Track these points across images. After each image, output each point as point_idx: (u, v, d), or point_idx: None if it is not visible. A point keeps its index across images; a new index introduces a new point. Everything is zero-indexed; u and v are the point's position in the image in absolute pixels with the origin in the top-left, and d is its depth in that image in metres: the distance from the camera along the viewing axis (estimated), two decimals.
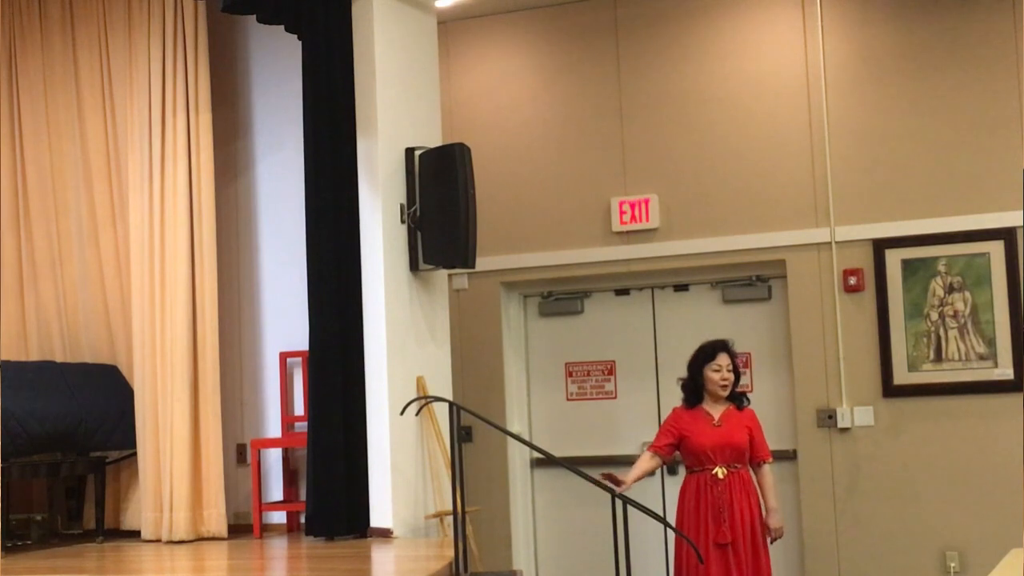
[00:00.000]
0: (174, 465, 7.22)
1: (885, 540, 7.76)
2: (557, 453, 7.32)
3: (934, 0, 7.86)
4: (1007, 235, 7.61)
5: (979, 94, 7.74)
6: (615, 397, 8.59)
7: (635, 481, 6.62)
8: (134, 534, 7.46)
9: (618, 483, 6.40)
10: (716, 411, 6.75)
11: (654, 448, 6.76)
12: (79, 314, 7.85)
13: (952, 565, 7.59)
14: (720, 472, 6.61)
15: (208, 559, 6.79)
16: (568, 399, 8.70)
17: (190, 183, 7.45)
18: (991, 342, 7.63)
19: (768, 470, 6.77)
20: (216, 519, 7.31)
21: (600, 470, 7.18)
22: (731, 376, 6.74)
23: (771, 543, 6.68)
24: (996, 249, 7.64)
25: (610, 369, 8.61)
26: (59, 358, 7.77)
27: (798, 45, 8.11)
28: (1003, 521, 7.46)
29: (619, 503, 6.18)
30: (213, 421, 7.35)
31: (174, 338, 7.31)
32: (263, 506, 7.53)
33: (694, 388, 6.81)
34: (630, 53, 8.48)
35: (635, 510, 6.19)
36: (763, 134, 8.15)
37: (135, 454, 7.48)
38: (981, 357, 7.66)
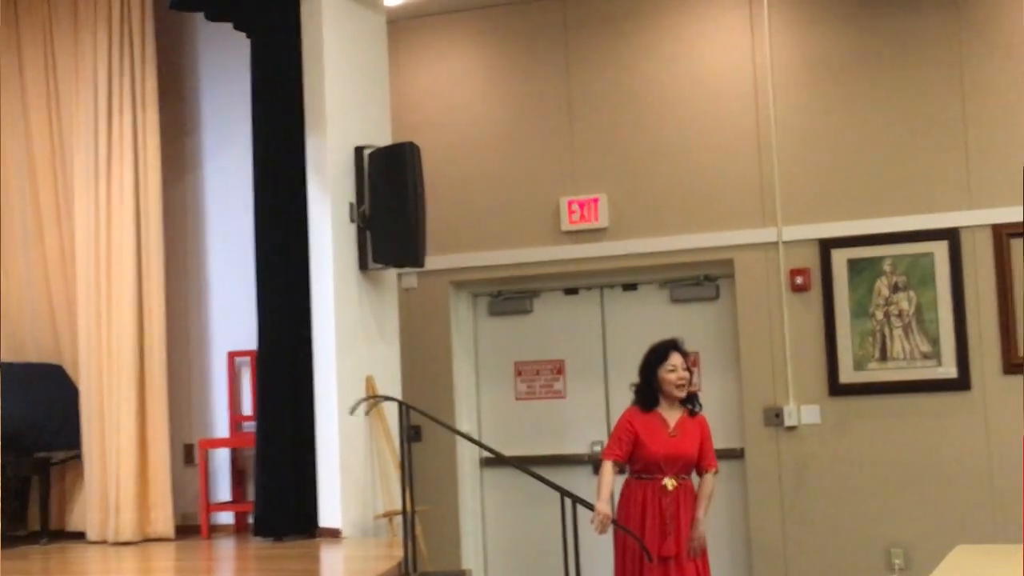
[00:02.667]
0: (120, 466, 7.17)
1: (831, 537, 7.83)
2: (506, 452, 7.33)
3: (879, 3, 7.94)
4: (951, 235, 7.70)
5: (923, 96, 7.82)
6: (564, 396, 8.60)
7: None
8: (79, 536, 7.40)
9: (604, 513, 6.31)
10: (672, 418, 6.58)
11: (614, 457, 6.54)
12: (24, 313, 7.76)
13: (897, 562, 7.67)
14: (670, 484, 6.49)
15: (155, 560, 6.74)
16: (517, 398, 8.71)
17: (136, 181, 7.39)
18: (935, 341, 7.72)
19: (710, 479, 6.61)
20: (163, 520, 7.26)
21: (549, 469, 7.22)
22: (686, 375, 6.60)
23: (691, 554, 6.48)
24: (940, 249, 7.73)
25: (559, 368, 8.63)
26: (3, 357, 7.67)
27: (746, 46, 8.16)
28: (947, 518, 7.56)
29: (569, 503, 6.19)
30: (160, 421, 7.31)
31: (120, 337, 7.25)
32: (211, 507, 7.49)
33: (649, 392, 6.62)
34: (579, 53, 8.50)
35: (585, 509, 6.20)
36: (711, 134, 8.20)
37: (80, 455, 7.42)
38: (925, 356, 7.74)
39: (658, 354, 6.64)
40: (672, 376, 6.58)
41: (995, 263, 7.62)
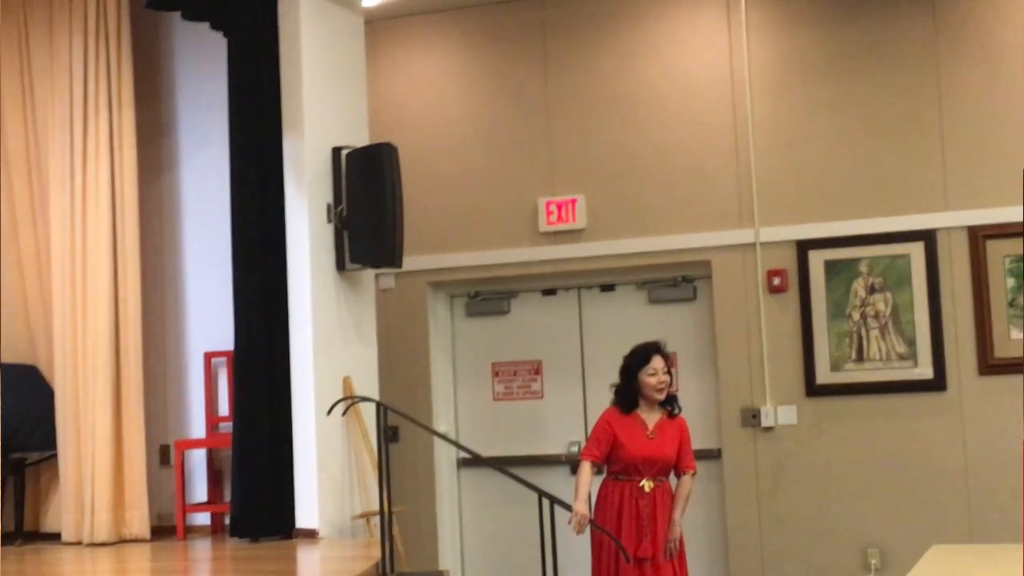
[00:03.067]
0: (96, 466, 7.13)
1: (807, 538, 7.85)
2: (484, 453, 7.33)
3: (856, 5, 7.96)
4: (927, 237, 7.73)
5: (900, 98, 7.85)
6: (542, 397, 8.60)
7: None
8: (54, 536, 7.36)
9: (582, 514, 6.33)
10: (651, 420, 6.58)
11: (592, 458, 6.54)
12: None
13: (873, 562, 7.70)
14: (647, 485, 6.49)
15: (130, 561, 6.71)
16: (495, 399, 8.70)
17: (112, 181, 7.36)
18: (911, 342, 7.75)
19: (688, 481, 6.60)
20: (139, 521, 7.22)
21: (526, 470, 7.23)
22: (667, 379, 6.59)
23: (666, 555, 6.49)
24: (916, 250, 7.76)
25: (536, 369, 8.63)
26: None
27: (723, 48, 8.18)
28: (923, 518, 7.59)
29: (546, 503, 6.19)
30: (136, 422, 7.27)
31: (96, 338, 7.22)
32: (187, 507, 7.46)
33: (629, 394, 6.61)
34: (557, 54, 8.50)
35: (562, 510, 6.21)
36: (689, 136, 8.21)
37: (55, 455, 7.38)
38: (901, 357, 7.77)
39: (639, 357, 6.63)
40: (652, 380, 6.57)
41: (971, 265, 7.65)
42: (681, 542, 6.58)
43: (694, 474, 6.66)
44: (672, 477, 6.67)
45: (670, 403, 6.67)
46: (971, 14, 7.74)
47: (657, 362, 6.59)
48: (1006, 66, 7.66)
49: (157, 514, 7.56)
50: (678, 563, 6.57)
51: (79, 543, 7.14)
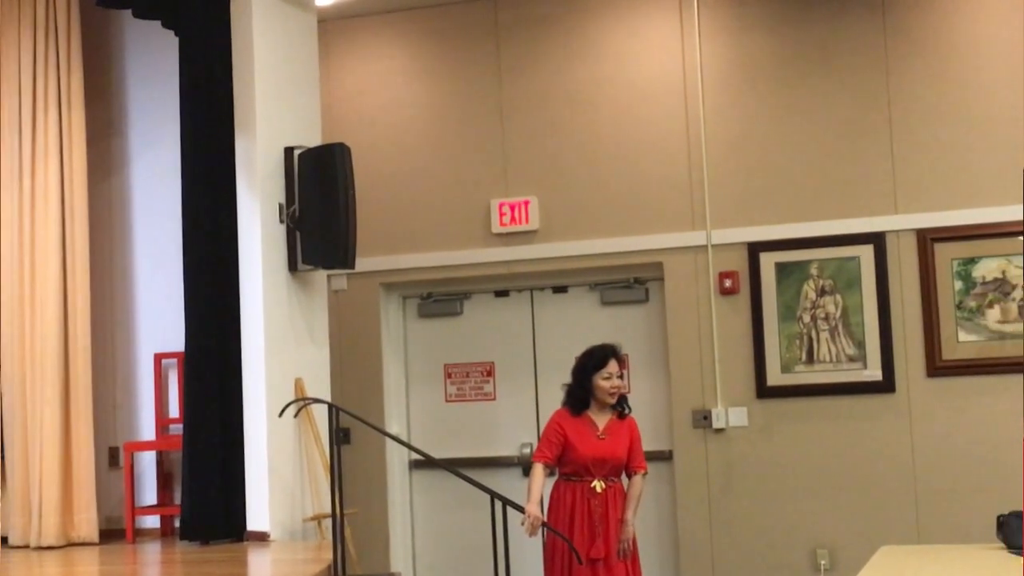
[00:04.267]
0: (43, 469, 7.05)
1: (758, 538, 7.89)
2: (436, 455, 7.32)
3: (807, 9, 8.02)
4: (876, 239, 7.80)
5: (850, 101, 7.92)
6: (494, 399, 8.60)
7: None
8: (1, 540, 7.27)
9: (534, 515, 6.33)
10: (601, 420, 6.61)
11: (544, 459, 6.54)
12: None
13: (823, 563, 7.75)
14: (599, 486, 6.51)
15: (79, 565, 6.65)
16: (447, 400, 8.69)
17: (62, 181, 7.28)
18: (860, 344, 7.81)
19: (639, 481, 6.63)
20: (87, 524, 7.15)
21: (479, 471, 7.23)
22: (621, 383, 6.62)
23: (619, 555, 6.52)
24: (866, 253, 7.82)
25: (489, 371, 8.63)
26: None
27: (676, 51, 8.21)
28: (872, 519, 7.65)
29: (498, 505, 6.19)
30: (84, 424, 7.20)
31: (44, 339, 7.14)
32: (136, 510, 7.39)
33: (581, 395, 6.61)
34: (510, 55, 8.51)
35: (514, 511, 6.21)
36: (641, 138, 8.24)
37: (2, 458, 7.29)
38: (851, 359, 7.83)
39: (595, 359, 6.63)
40: (606, 384, 6.59)
41: (919, 267, 7.73)
42: (634, 542, 6.60)
43: (645, 474, 6.69)
44: (624, 478, 6.69)
45: (620, 404, 6.69)
46: (920, 19, 7.82)
47: (613, 366, 6.61)
48: (954, 70, 7.74)
49: (106, 517, 7.49)
50: (631, 564, 6.58)
51: (26, 546, 7.06)
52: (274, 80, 7.08)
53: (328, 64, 8.51)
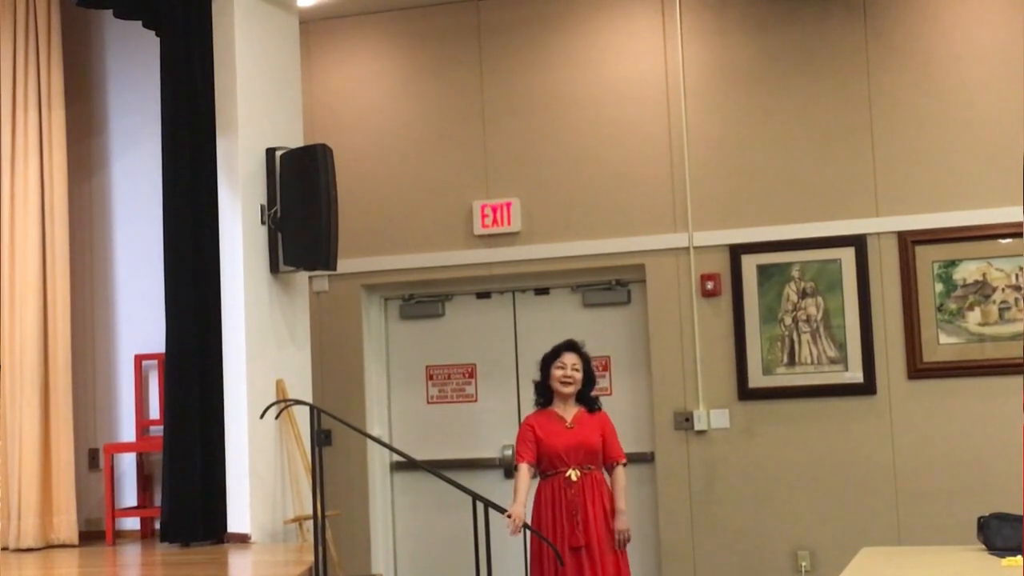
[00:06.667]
0: (23, 470, 7.02)
1: (739, 540, 7.91)
2: (418, 456, 7.31)
3: (789, 12, 8.04)
4: (858, 242, 7.82)
5: (831, 104, 7.94)
6: (476, 400, 8.60)
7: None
8: None
9: (516, 514, 6.40)
10: (568, 413, 6.76)
11: (526, 460, 6.65)
12: None
13: (803, 564, 7.77)
14: (573, 474, 6.61)
15: (58, 567, 6.62)
16: (429, 402, 8.68)
17: (42, 181, 7.25)
18: (842, 346, 7.83)
19: (622, 472, 6.75)
20: (67, 526, 7.12)
21: (460, 473, 7.24)
22: (574, 375, 6.75)
23: (617, 546, 6.62)
24: (847, 255, 7.85)
25: (471, 372, 8.62)
26: None
27: (658, 53, 8.22)
28: (853, 521, 7.67)
29: (480, 506, 6.19)
30: (64, 425, 7.17)
31: (23, 340, 7.11)
32: (116, 512, 7.36)
33: (543, 388, 6.85)
34: (493, 57, 8.50)
35: (496, 513, 6.21)
36: (624, 140, 8.25)
37: None
38: (832, 361, 7.85)
39: (552, 352, 6.87)
40: (558, 373, 6.76)
41: (900, 270, 7.75)
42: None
43: (625, 464, 6.80)
44: (604, 472, 6.76)
45: (588, 402, 6.80)
46: (901, 21, 7.85)
47: (568, 358, 6.79)
48: (935, 73, 7.77)
49: (86, 519, 7.47)
50: (621, 553, 6.66)
51: (5, 548, 7.02)
52: (256, 81, 7.07)
53: (310, 65, 8.50)
